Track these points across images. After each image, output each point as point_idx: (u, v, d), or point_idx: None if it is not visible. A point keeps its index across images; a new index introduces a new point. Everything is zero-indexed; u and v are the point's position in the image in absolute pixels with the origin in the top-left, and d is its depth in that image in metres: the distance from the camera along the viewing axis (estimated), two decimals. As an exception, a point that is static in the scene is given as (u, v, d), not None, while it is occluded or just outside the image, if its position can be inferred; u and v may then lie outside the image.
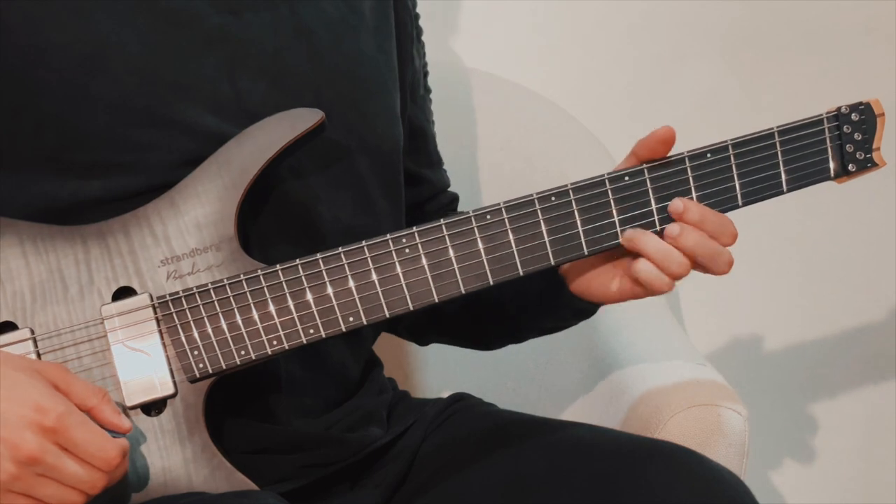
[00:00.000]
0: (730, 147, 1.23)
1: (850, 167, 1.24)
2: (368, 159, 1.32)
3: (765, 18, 2.02)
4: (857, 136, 1.24)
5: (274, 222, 1.27)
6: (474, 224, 1.22)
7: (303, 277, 1.20)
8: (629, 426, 1.48)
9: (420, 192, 1.44)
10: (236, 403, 1.25)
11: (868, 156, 1.24)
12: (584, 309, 1.34)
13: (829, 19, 2.04)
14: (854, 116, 1.24)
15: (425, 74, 1.47)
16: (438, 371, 1.80)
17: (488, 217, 1.22)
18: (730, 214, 1.24)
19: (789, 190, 1.24)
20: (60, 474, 1.09)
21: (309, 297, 1.20)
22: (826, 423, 2.17)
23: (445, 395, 1.43)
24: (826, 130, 1.24)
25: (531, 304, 1.35)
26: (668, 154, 1.23)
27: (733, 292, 2.08)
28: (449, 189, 1.51)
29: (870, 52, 2.04)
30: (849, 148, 1.24)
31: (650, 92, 2.02)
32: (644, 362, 1.59)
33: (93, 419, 1.12)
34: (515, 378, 1.78)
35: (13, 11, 1.20)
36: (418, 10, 1.45)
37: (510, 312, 1.37)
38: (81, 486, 1.09)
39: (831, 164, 1.24)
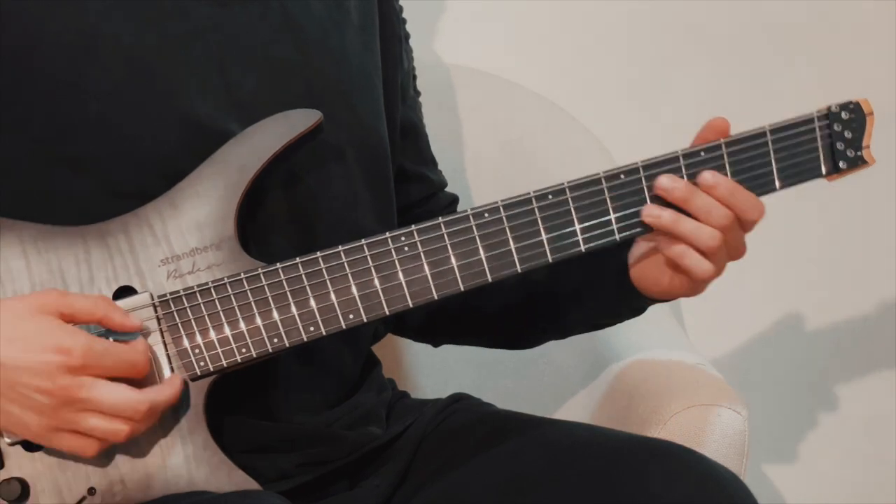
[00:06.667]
0: (723, 146, 1.24)
1: (841, 164, 1.26)
2: (356, 152, 1.33)
3: (765, 19, 2.02)
4: (848, 135, 1.25)
5: (271, 218, 1.27)
6: (472, 223, 1.23)
7: (303, 276, 1.21)
8: (629, 426, 1.48)
9: (416, 189, 1.45)
10: (235, 401, 1.25)
11: (858, 153, 1.26)
12: (640, 307, 1.35)
13: (829, 20, 2.03)
14: (844, 115, 1.25)
15: (414, 77, 1.47)
16: (438, 371, 1.80)
17: (486, 216, 1.23)
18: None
19: (782, 187, 1.25)
20: (100, 404, 1.11)
21: (309, 295, 1.21)
22: (826, 423, 2.17)
23: (445, 395, 1.43)
24: (817, 129, 1.25)
25: (591, 297, 1.35)
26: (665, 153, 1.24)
27: (734, 292, 2.07)
28: (447, 190, 1.51)
29: (869, 52, 2.04)
30: (839, 146, 1.25)
31: (651, 92, 2.02)
32: (644, 362, 1.59)
33: (104, 328, 1.15)
34: (515, 378, 1.78)
35: (5, 2, 1.21)
36: (413, 11, 1.46)
37: (563, 306, 1.37)
38: (125, 412, 1.12)
39: (822, 162, 1.26)
